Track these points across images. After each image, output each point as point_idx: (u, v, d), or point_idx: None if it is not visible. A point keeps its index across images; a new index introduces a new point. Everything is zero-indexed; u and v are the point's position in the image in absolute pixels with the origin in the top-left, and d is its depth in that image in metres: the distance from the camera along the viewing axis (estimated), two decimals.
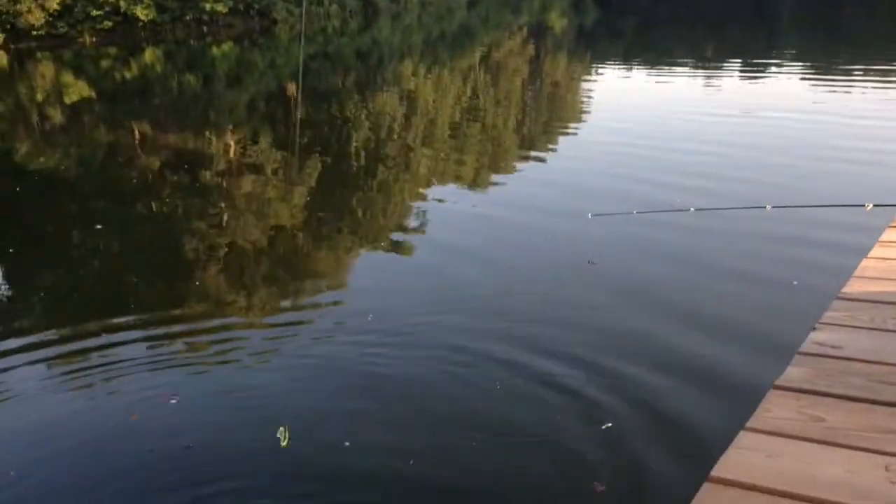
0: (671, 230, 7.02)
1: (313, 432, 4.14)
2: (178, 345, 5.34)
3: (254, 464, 3.87)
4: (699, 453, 3.63)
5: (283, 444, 3.96)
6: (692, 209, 6.28)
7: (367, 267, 7.10)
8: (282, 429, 4.03)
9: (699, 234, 6.98)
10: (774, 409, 2.29)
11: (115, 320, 5.71)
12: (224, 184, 10.24)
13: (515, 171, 10.97)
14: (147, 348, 5.26)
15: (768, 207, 5.77)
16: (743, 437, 2.14)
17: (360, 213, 9.00)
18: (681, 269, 6.33)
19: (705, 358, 4.75)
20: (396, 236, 7.88)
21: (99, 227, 8.40)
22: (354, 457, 3.94)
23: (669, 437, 3.97)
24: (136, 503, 3.69)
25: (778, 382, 2.47)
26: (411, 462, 3.86)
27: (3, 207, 9.46)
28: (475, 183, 10.24)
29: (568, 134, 13.54)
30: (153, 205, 9.28)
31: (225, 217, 8.68)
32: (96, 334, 5.49)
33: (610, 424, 4.07)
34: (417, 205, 9.19)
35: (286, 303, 6.24)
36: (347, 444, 4.02)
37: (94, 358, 5.12)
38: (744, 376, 4.41)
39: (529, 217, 8.08)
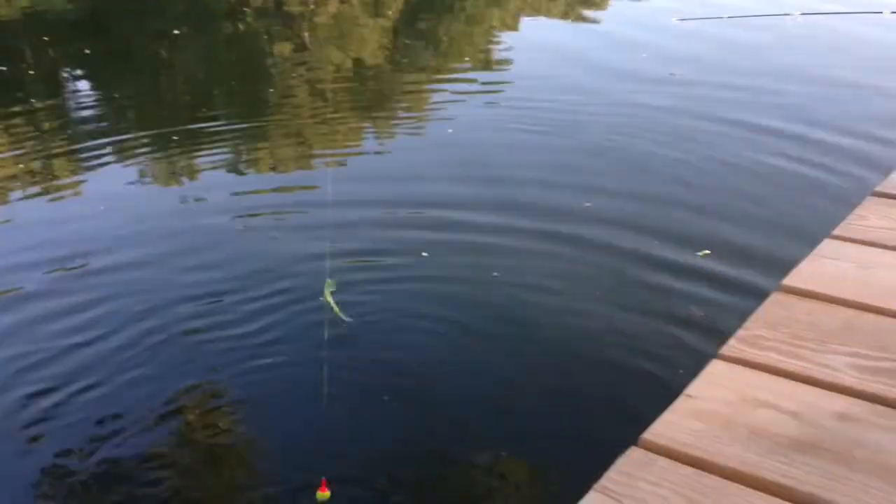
0: (768, 40, 6.26)
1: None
2: (260, 147, 5.16)
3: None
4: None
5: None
6: (797, 14, 5.54)
7: (450, 94, 6.34)
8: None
9: (804, 42, 6.18)
10: (871, 218, 1.91)
11: (196, 123, 5.53)
12: (307, 8, 9.81)
13: None
14: (228, 150, 5.06)
15: (886, 13, 5.05)
16: (826, 245, 1.78)
17: (445, 42, 8.47)
18: (775, 81, 5.66)
19: (802, 166, 4.28)
20: (482, 66, 7.32)
21: (183, 43, 8.17)
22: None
23: (760, 252, 3.47)
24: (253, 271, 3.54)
25: (878, 189, 2.06)
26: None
27: (90, 21, 9.34)
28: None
29: None
30: (238, 26, 9.04)
31: (307, 38, 8.36)
32: (178, 134, 5.34)
33: (708, 251, 3.57)
34: (504, 35, 8.61)
35: (369, 116, 5.86)
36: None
37: (178, 155, 4.99)
38: (844, 186, 3.95)
39: (613, 29, 7.45)
